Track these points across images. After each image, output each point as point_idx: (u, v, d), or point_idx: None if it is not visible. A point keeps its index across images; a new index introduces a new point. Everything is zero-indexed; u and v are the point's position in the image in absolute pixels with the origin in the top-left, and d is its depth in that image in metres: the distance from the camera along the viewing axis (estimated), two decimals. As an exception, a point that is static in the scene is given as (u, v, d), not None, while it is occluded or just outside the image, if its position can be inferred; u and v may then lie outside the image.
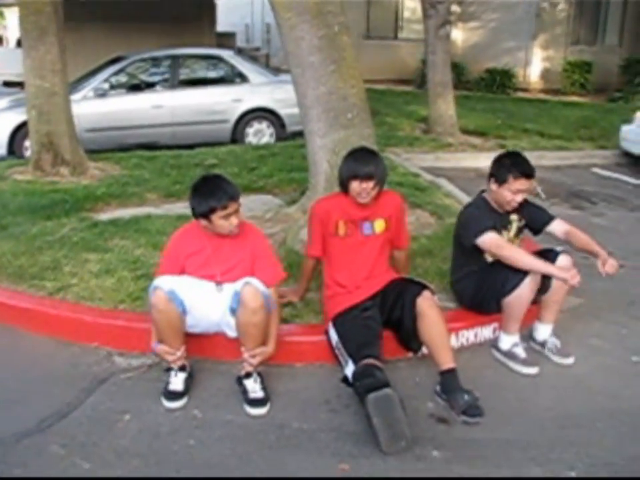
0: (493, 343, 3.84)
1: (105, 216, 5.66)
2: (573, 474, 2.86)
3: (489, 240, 3.69)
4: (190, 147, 8.91)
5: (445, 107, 10.05)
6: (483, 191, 3.95)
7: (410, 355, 3.72)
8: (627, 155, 9.61)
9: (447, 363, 3.33)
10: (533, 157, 9.18)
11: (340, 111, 4.85)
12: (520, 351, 3.70)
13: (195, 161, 7.73)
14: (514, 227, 3.87)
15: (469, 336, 3.94)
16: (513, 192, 3.68)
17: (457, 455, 2.98)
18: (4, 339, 3.88)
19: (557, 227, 3.89)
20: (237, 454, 2.94)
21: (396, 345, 3.66)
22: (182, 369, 3.37)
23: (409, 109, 12.21)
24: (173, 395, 3.28)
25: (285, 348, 3.64)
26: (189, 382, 3.37)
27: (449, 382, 3.31)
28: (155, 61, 9.81)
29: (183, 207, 6.02)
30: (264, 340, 3.33)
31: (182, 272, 3.45)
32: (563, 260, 3.68)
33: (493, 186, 3.75)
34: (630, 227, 6.68)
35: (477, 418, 3.20)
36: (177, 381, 3.33)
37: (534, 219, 3.93)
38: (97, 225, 5.18)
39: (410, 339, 3.52)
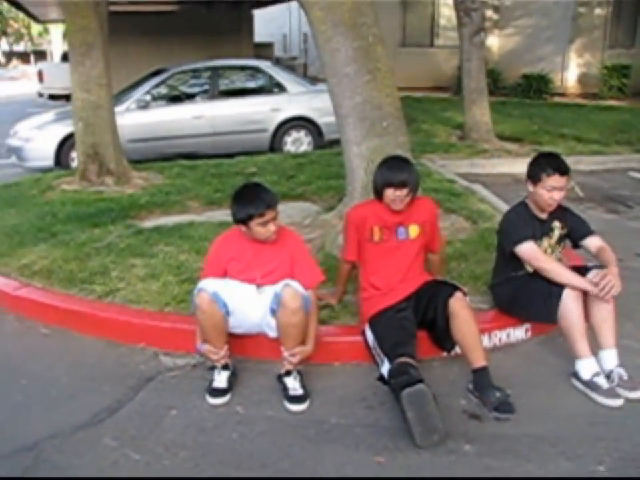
0: (573, 371, 3.63)
1: (149, 223, 5.89)
2: (601, 468, 2.95)
3: (526, 250, 3.79)
4: (229, 155, 9.15)
5: (480, 113, 10.13)
6: (526, 197, 4.03)
7: (444, 354, 3.83)
8: (665, 158, 9.57)
9: (479, 361, 3.44)
10: (569, 162, 9.27)
11: (375, 119, 5.00)
12: (602, 381, 3.50)
13: (235, 170, 7.95)
14: (556, 234, 3.93)
15: (501, 336, 4.03)
16: (548, 190, 3.76)
17: (488, 449, 3.09)
18: (57, 341, 4.11)
19: (594, 242, 3.90)
20: (277, 447, 3.09)
21: (430, 344, 3.79)
22: (225, 367, 3.54)
23: (445, 115, 12.31)
24: (217, 392, 3.46)
25: (323, 348, 3.79)
26: (232, 380, 3.54)
27: (481, 380, 3.42)
28: (195, 73, 10.11)
29: (224, 215, 6.23)
30: (303, 339, 3.49)
31: (224, 275, 3.63)
32: (593, 273, 3.72)
33: (530, 187, 3.85)
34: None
35: (508, 414, 3.30)
36: (220, 379, 3.50)
37: (575, 229, 3.96)
38: (141, 232, 5.41)
39: (443, 338, 3.64)
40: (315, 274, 3.70)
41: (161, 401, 3.46)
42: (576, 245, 4.02)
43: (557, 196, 3.79)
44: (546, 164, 3.80)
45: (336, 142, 10.35)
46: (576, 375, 3.62)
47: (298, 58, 21.92)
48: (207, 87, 10.01)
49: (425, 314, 3.68)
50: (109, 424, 3.25)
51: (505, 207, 6.56)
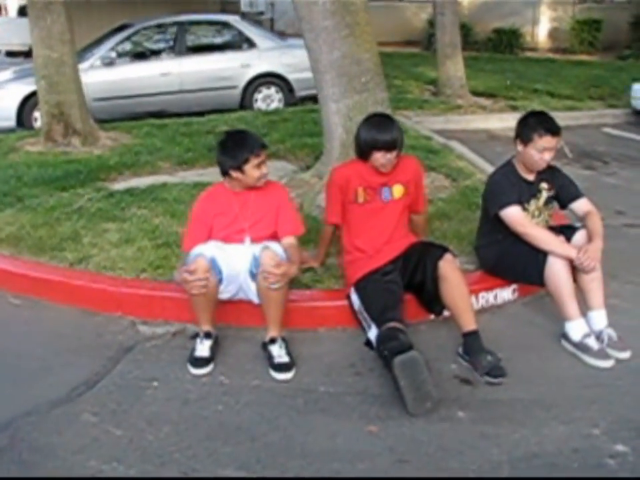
0: (562, 332, 3.58)
1: (119, 185, 5.68)
2: (596, 431, 2.90)
3: (511, 215, 3.69)
4: (199, 114, 8.88)
5: (454, 68, 9.96)
6: (512, 157, 3.92)
7: (431, 317, 3.75)
8: (638, 113, 9.53)
9: (469, 324, 3.36)
10: None
11: (354, 75, 4.83)
12: (592, 343, 3.44)
13: (205, 128, 7.71)
14: (543, 195, 3.82)
15: (488, 298, 3.96)
16: (539, 150, 3.64)
17: (481, 415, 3.02)
18: (28, 311, 3.92)
19: (581, 205, 3.80)
20: (265, 418, 2.98)
21: (417, 307, 3.69)
22: (207, 335, 3.41)
23: (417, 71, 12.11)
24: (200, 362, 3.33)
25: (308, 313, 3.70)
26: (214, 348, 3.41)
27: (471, 344, 3.35)
28: (161, 28, 9.75)
29: (197, 175, 6.08)
30: (285, 307, 3.38)
31: (210, 232, 3.53)
32: (578, 236, 3.66)
33: (519, 147, 3.73)
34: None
35: (499, 379, 3.23)
36: (202, 348, 3.37)
37: (563, 191, 3.86)
38: (113, 194, 5.20)
39: (432, 301, 3.55)
40: (296, 224, 3.65)
41: (141, 373, 3.32)
42: (564, 206, 3.92)
43: (548, 156, 3.67)
44: (537, 124, 3.67)
45: (308, 99, 10.22)
46: (565, 337, 3.57)
47: (265, 13, 21.38)
48: (174, 42, 9.66)
49: (413, 276, 3.58)
50: (88, 398, 3.11)
51: (483, 164, 6.50)
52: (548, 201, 3.87)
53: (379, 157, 3.55)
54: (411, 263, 3.59)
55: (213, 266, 3.27)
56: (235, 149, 3.43)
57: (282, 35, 12.25)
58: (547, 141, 3.62)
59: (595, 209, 3.78)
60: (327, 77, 4.87)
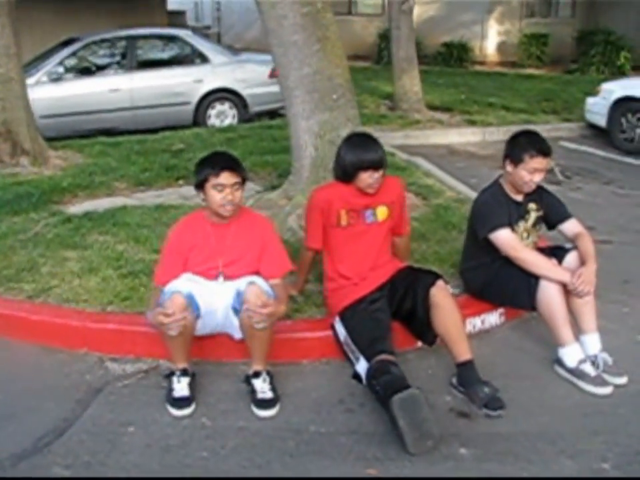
0: (555, 358, 3.46)
1: (75, 209, 5.35)
2: (606, 466, 2.76)
3: (502, 238, 3.56)
4: (151, 131, 8.58)
5: (410, 82, 9.88)
6: (500, 176, 3.79)
7: (419, 344, 3.58)
8: (593, 127, 9.62)
9: (464, 354, 3.20)
10: (502, 132, 9.39)
11: (325, 92, 4.65)
12: (589, 369, 3.32)
13: (161, 147, 7.42)
14: (532, 217, 3.70)
15: (475, 323, 3.81)
16: (529, 172, 3.52)
17: (484, 451, 2.85)
18: (-18, 349, 3.60)
19: (570, 226, 3.70)
20: (255, 464, 2.75)
21: (404, 335, 3.52)
22: (184, 372, 3.15)
23: (370, 85, 12.02)
24: (180, 402, 3.07)
25: (289, 345, 3.48)
26: (193, 387, 3.16)
27: (467, 374, 3.19)
28: (110, 42, 9.37)
29: (155, 196, 5.80)
30: (271, 343, 3.15)
31: (185, 264, 3.26)
32: (570, 258, 3.55)
33: (509, 167, 3.60)
34: (608, 201, 6.67)
35: (499, 411, 3.08)
36: (181, 387, 3.11)
37: (552, 212, 3.75)
38: (70, 219, 4.88)
39: (424, 331, 3.37)
40: (283, 262, 3.38)
41: (115, 417, 3.04)
42: (552, 227, 3.81)
43: (538, 178, 3.56)
44: (528, 144, 3.55)
45: (262, 114, 10.02)
46: (560, 363, 3.44)
47: (211, 27, 21.12)
48: (123, 57, 9.30)
49: (401, 304, 3.40)
50: (58, 449, 2.81)
51: (451, 181, 6.42)
52: (536, 222, 3.75)
53: (366, 178, 3.37)
54: (399, 290, 3.41)
55: (190, 302, 3.02)
56: (200, 165, 3.26)
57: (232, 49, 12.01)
58: (538, 162, 3.51)
59: (584, 230, 3.68)
60: (296, 93, 4.67)
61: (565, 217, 3.73)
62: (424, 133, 9.10)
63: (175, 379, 3.13)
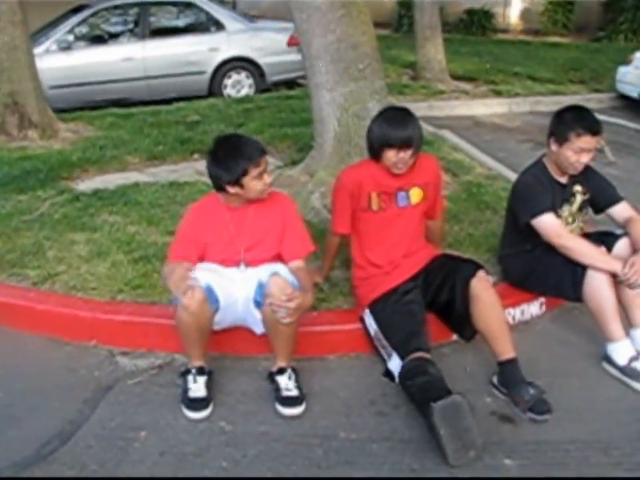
0: (604, 355, 3.17)
1: (84, 185, 5.08)
2: (670, 482, 2.49)
3: (546, 224, 3.25)
4: (165, 102, 8.27)
5: (434, 51, 9.48)
6: (543, 155, 3.46)
7: (454, 337, 3.30)
8: (624, 97, 9.20)
9: (507, 352, 2.92)
10: (529, 103, 9.01)
11: (350, 61, 4.31)
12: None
13: (175, 118, 7.09)
14: (577, 200, 3.39)
15: (515, 314, 3.52)
16: (576, 152, 3.20)
17: (532, 462, 2.58)
18: (-16, 340, 3.35)
19: (621, 210, 3.37)
20: (281, 476, 2.49)
21: (438, 328, 3.23)
22: (201, 371, 2.89)
23: (391, 54, 11.56)
24: (196, 403, 2.81)
25: (315, 339, 3.22)
26: (210, 386, 2.90)
27: (510, 374, 2.91)
28: (122, 10, 8.99)
29: (170, 171, 5.52)
30: (297, 338, 2.88)
31: (202, 254, 2.97)
32: (621, 245, 3.25)
33: (554, 146, 3.28)
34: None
35: (545, 415, 2.80)
36: (197, 387, 2.85)
37: (600, 195, 3.42)
38: (78, 198, 4.59)
39: (462, 325, 3.08)
40: (305, 243, 3.09)
41: (126, 419, 2.79)
42: (600, 211, 3.48)
43: (585, 158, 3.23)
44: (575, 121, 3.21)
45: (279, 84, 9.67)
46: (609, 360, 3.15)
47: (226, -7, 20.60)
48: (136, 25, 8.94)
49: (437, 295, 3.11)
50: (63, 456, 2.56)
51: (480, 156, 6.09)
52: (582, 206, 3.43)
53: (391, 156, 3.05)
54: (436, 280, 3.12)
55: (209, 295, 2.74)
56: (229, 159, 2.82)
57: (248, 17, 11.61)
58: (586, 141, 3.18)
59: (637, 215, 3.35)
60: (319, 63, 4.34)
61: (615, 199, 3.41)
62: (448, 103, 8.72)
63: (190, 377, 2.87)
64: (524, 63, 11.28)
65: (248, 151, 2.82)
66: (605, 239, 3.30)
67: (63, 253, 3.79)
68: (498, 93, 9.21)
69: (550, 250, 3.27)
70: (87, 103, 8.19)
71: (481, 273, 2.97)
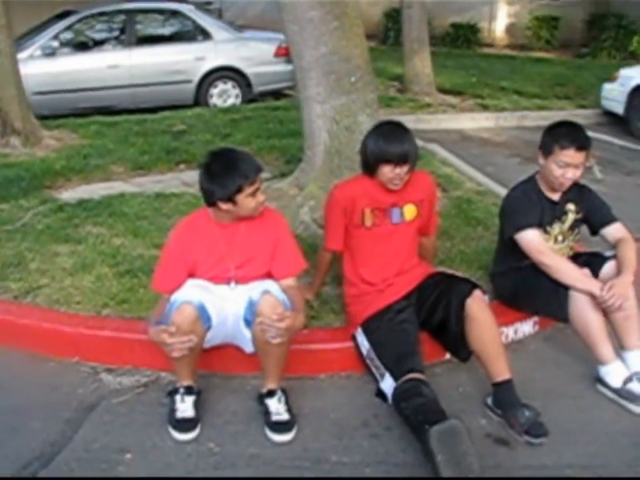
0: (597, 377, 3.11)
1: (68, 195, 4.99)
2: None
3: (528, 239, 3.22)
4: (150, 110, 8.18)
5: (422, 64, 9.47)
6: (537, 172, 3.42)
7: (446, 356, 3.24)
8: (609, 114, 9.23)
9: (502, 373, 2.86)
10: (515, 118, 9.02)
11: (342, 73, 4.25)
12: (637, 387, 2.97)
13: (161, 127, 7.02)
14: (569, 219, 3.34)
15: (508, 333, 3.47)
16: (560, 165, 3.16)
17: (530, 488, 2.52)
18: (-38, 355, 3.24)
19: (614, 231, 3.30)
20: (271, 502, 2.42)
21: (431, 347, 3.17)
22: (189, 390, 2.80)
23: (378, 66, 11.44)
24: (184, 424, 2.72)
25: (305, 357, 3.13)
26: (198, 406, 2.81)
27: (505, 396, 2.85)
28: (108, 16, 8.91)
29: (155, 182, 5.43)
30: (287, 358, 2.80)
31: (190, 272, 2.88)
32: (608, 268, 3.20)
33: (541, 159, 3.25)
34: (634, 194, 6.29)
35: (541, 438, 2.74)
36: (185, 407, 2.76)
37: (594, 215, 3.37)
38: (62, 208, 4.49)
39: (457, 345, 3.02)
40: (297, 261, 3.01)
41: (110, 440, 2.69)
42: (595, 232, 3.43)
43: (571, 174, 3.17)
44: (561, 135, 3.18)
45: (266, 94, 9.61)
46: (602, 382, 3.09)
47: (212, 3, 20.53)
48: (122, 32, 8.86)
49: (431, 315, 3.05)
50: (44, 480, 2.47)
51: (470, 171, 6.06)
52: (574, 225, 3.39)
53: (387, 172, 3.00)
54: (430, 299, 3.06)
55: (202, 314, 2.65)
56: (224, 175, 2.72)
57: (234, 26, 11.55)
58: (569, 155, 3.13)
59: (629, 236, 3.29)
60: (311, 75, 4.28)
61: (608, 220, 3.35)
62: (436, 117, 8.71)
63: (178, 397, 2.78)
64: (510, 77, 11.31)
65: (244, 168, 2.74)
66: (593, 260, 3.26)
67: (46, 265, 3.69)
68: (485, 107, 9.22)
69: (537, 270, 3.22)
70: (71, 110, 8.09)
71: (477, 293, 2.91)
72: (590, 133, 7.87)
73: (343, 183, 3.27)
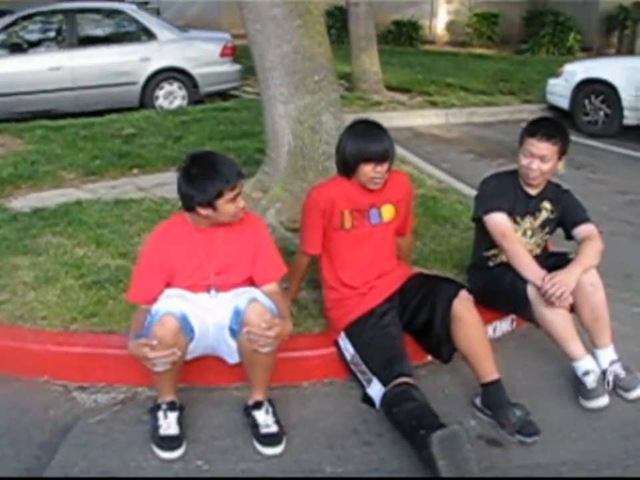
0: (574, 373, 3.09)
1: (18, 203, 4.77)
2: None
3: (495, 223, 3.21)
4: (95, 113, 7.93)
5: (370, 62, 9.47)
6: None
7: (428, 357, 3.19)
8: (554, 109, 9.40)
9: (491, 374, 2.84)
10: (465, 114, 9.09)
11: (306, 72, 4.17)
12: (589, 380, 2.95)
13: (110, 131, 6.80)
14: (542, 216, 3.33)
15: (487, 331, 3.42)
16: (526, 155, 3.16)
17: (528, 489, 2.50)
18: None
19: (584, 231, 3.26)
20: (268, 519, 2.32)
21: (413, 349, 3.10)
22: (172, 406, 2.68)
23: (324, 65, 11.51)
24: (168, 442, 2.60)
25: (288, 365, 3.03)
26: (182, 422, 2.69)
27: (494, 396, 2.82)
28: (47, 16, 8.58)
29: (109, 187, 5.25)
30: (274, 368, 2.71)
31: (168, 280, 2.76)
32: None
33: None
34: (586, 188, 6.37)
35: (533, 437, 2.73)
36: (169, 423, 2.64)
37: (567, 215, 3.33)
38: (16, 217, 4.28)
39: (441, 346, 2.97)
40: (278, 265, 2.93)
41: (90, 463, 2.54)
42: (569, 235, 3.39)
43: (536, 165, 3.15)
44: (531, 125, 3.22)
45: (213, 95, 9.44)
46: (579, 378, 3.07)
47: (150, 3, 20.12)
48: (63, 33, 8.54)
49: (415, 316, 3.00)
50: (23, 510, 2.32)
51: (428, 168, 6.07)
52: (546, 223, 3.37)
53: (368, 171, 2.94)
54: (414, 300, 3.01)
55: (184, 324, 2.54)
56: (204, 179, 2.61)
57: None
58: (533, 144, 3.13)
59: (597, 235, 3.23)
60: (274, 74, 4.18)
61: (581, 220, 3.31)
62: (386, 115, 8.68)
63: (160, 413, 2.66)
64: (455, 74, 11.42)
65: (225, 172, 2.63)
66: (559, 259, 3.24)
67: (5, 280, 3.49)
68: (434, 104, 9.27)
69: (502, 271, 3.21)
70: (10, 115, 7.79)
71: (463, 293, 2.87)
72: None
73: (321, 185, 3.19)
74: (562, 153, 3.17)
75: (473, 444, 2.45)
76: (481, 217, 3.28)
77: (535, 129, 3.17)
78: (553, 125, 3.22)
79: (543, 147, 3.13)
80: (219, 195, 2.61)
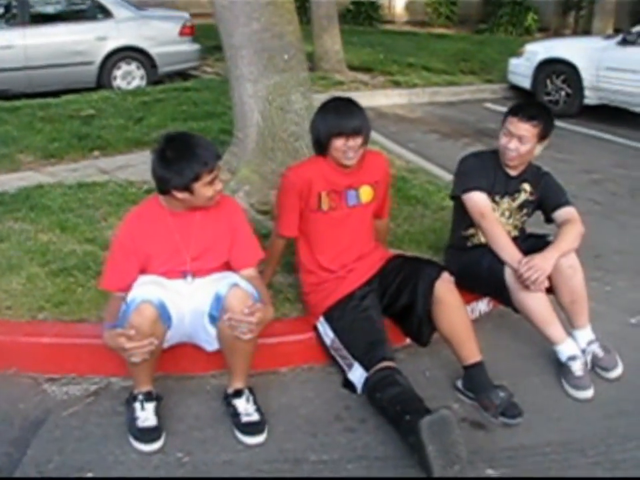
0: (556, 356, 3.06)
1: (-25, 188, 4.56)
2: (651, 479, 2.45)
3: (474, 202, 3.17)
4: (50, 94, 7.65)
5: (331, 42, 9.36)
6: None
7: (407, 341, 3.15)
8: (516, 88, 9.46)
9: (474, 356, 2.82)
10: (427, 94, 9.07)
11: (275, 51, 4.06)
12: (576, 367, 2.93)
13: (67, 112, 6.56)
14: (521, 197, 3.28)
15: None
16: (505, 134, 3.14)
17: (514, 470, 2.48)
18: None
19: (564, 214, 3.22)
20: (255, 511, 2.26)
21: (392, 332, 3.05)
22: (149, 397, 2.58)
23: (284, 44, 11.36)
24: (147, 434, 2.50)
25: (266, 351, 2.94)
26: (159, 413, 2.60)
27: (477, 378, 2.80)
28: (-4, -8, 8.28)
29: (70, 170, 5.07)
30: (254, 355, 2.63)
31: (142, 267, 2.65)
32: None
33: None
34: (551, 167, 6.24)
35: (517, 419, 2.71)
36: (146, 415, 2.55)
37: (548, 199, 3.29)
38: (-26, 203, 4.10)
39: (421, 329, 2.93)
40: (256, 249, 2.83)
41: (66, 459, 2.44)
42: (548, 218, 3.36)
43: (513, 145, 3.11)
44: (513, 106, 3.20)
45: (172, 75, 9.24)
46: (556, 357, 3.08)
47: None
48: (14, 10, 8.23)
49: (395, 299, 2.96)
50: (-4, 510, 2.22)
51: (396, 148, 6.03)
52: (524, 205, 3.34)
53: (340, 145, 2.85)
54: (394, 283, 2.96)
55: (162, 312, 2.44)
56: (180, 161, 2.50)
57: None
58: (513, 123, 3.10)
59: (578, 218, 3.21)
60: (242, 53, 4.06)
61: (562, 203, 3.27)
62: (349, 95, 8.54)
63: (137, 405, 2.56)
64: (416, 53, 11.39)
65: (202, 154, 2.52)
66: (538, 242, 3.20)
67: (-33, 268, 3.34)
68: (397, 84, 9.23)
69: (480, 254, 3.18)
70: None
71: (445, 275, 2.84)
72: (498, 107, 7.97)
73: (298, 165, 3.10)
74: (542, 137, 3.13)
75: (461, 428, 2.41)
76: (460, 196, 3.24)
77: (518, 108, 3.14)
78: (537, 108, 3.19)
79: (522, 127, 3.08)
80: (196, 177, 2.50)
